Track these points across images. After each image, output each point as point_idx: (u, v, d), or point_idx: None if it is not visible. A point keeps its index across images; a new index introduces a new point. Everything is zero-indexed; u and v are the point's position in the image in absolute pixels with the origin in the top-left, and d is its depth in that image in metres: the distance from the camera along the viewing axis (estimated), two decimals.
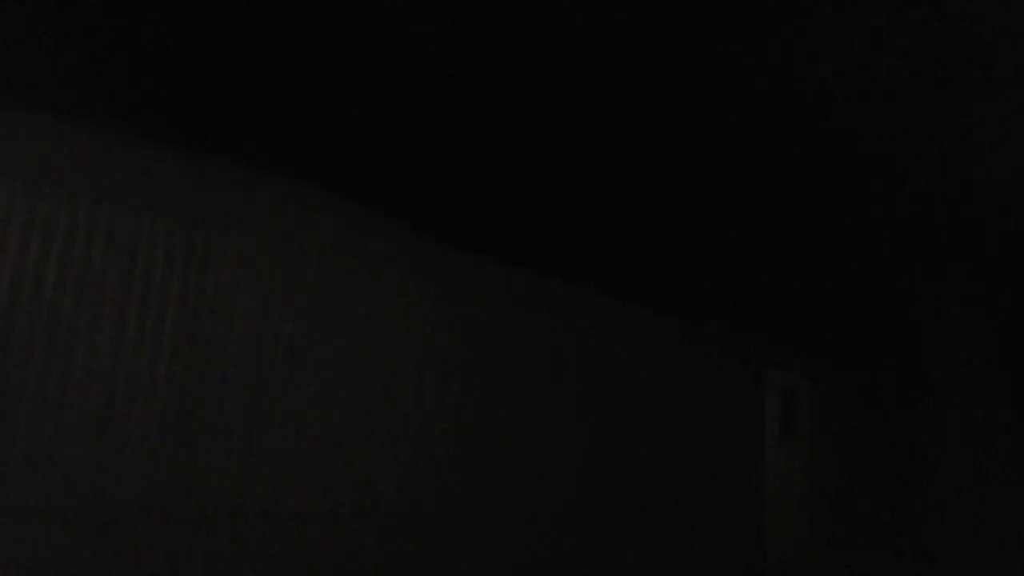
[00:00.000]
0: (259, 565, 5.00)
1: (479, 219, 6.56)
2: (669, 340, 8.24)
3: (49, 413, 4.25)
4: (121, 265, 4.59)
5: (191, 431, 4.78)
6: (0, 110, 4.23)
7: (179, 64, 5.29)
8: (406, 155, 6.33)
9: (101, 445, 4.40)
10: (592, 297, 7.47)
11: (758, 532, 8.94)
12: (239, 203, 5.18)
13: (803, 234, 9.13)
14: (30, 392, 4.19)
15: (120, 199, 4.61)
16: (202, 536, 4.77)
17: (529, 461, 6.73)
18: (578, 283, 7.13)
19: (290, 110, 6.00)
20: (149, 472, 4.58)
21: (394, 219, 5.83)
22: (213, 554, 4.81)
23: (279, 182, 5.44)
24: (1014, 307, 9.83)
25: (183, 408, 4.76)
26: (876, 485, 10.37)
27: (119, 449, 4.47)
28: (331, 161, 5.96)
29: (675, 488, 8.03)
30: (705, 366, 8.63)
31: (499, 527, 6.42)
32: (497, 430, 6.51)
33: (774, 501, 9.31)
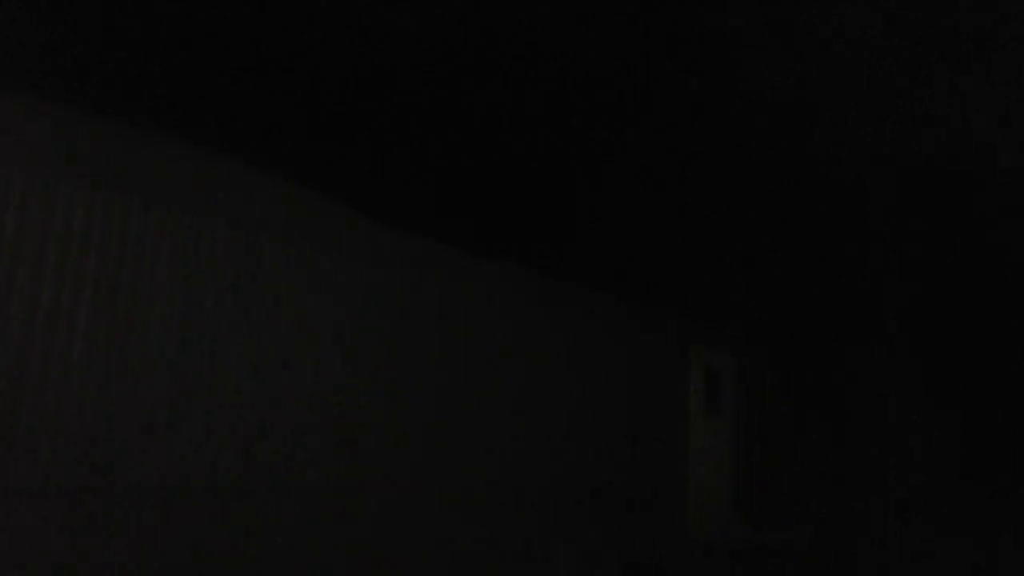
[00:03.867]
0: (187, 541, 4.96)
1: (414, 195, 6.57)
2: (591, 317, 8.44)
3: None
4: (36, 234, 4.46)
5: (108, 407, 4.69)
6: None
7: (109, 31, 5.13)
8: (330, 131, 6.28)
9: (13, 421, 4.29)
10: (513, 271, 7.59)
11: (680, 509, 9.29)
12: (164, 174, 5.08)
13: (730, 213, 9.42)
14: None
15: (38, 165, 4.47)
16: (121, 512, 4.70)
17: (448, 441, 6.83)
18: (500, 257, 7.21)
19: (226, 82, 5.88)
20: (64, 448, 4.49)
21: (320, 194, 5.80)
22: (135, 529, 4.75)
23: (207, 156, 5.34)
24: (942, 284, 10.30)
25: (100, 384, 4.67)
26: (799, 462, 10.85)
27: (32, 425, 4.36)
28: (264, 136, 5.88)
29: (596, 466, 8.26)
30: (630, 343, 8.88)
31: (418, 507, 6.51)
32: (418, 408, 6.58)
33: (697, 478, 9.66)
